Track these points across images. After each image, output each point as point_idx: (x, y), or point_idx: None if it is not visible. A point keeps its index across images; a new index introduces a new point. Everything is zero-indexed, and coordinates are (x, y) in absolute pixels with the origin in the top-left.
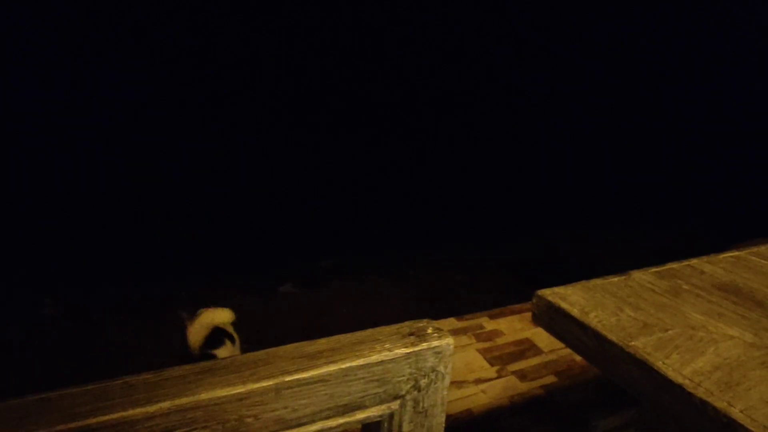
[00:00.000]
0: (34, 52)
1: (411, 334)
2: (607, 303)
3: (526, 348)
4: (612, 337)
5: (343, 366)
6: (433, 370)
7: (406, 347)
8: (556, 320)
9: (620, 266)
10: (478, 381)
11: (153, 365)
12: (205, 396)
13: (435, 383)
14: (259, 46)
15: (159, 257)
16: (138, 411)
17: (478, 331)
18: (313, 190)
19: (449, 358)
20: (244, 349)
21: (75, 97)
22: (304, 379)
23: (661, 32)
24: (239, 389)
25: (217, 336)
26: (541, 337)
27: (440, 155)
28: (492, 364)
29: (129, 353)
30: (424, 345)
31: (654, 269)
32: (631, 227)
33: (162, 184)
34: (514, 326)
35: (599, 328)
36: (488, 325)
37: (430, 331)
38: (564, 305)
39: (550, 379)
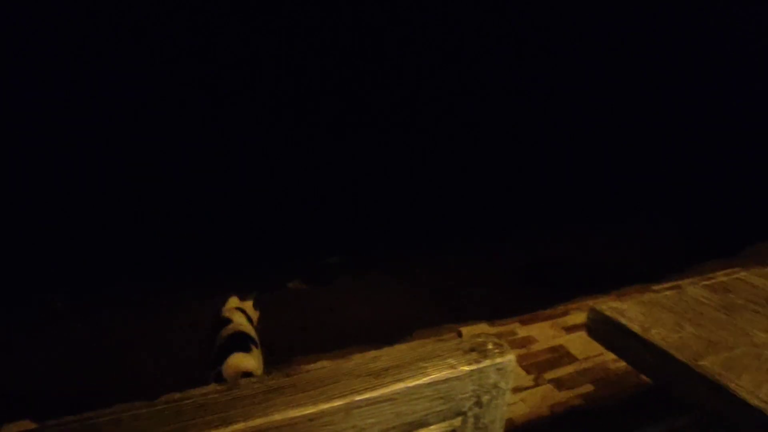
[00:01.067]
0: (34, 51)
1: (472, 350)
2: (665, 319)
3: (561, 355)
4: (678, 355)
5: (410, 384)
6: (495, 386)
7: (469, 364)
8: (614, 335)
9: (629, 267)
10: (517, 390)
11: (158, 362)
12: (278, 417)
13: (496, 399)
14: (259, 46)
15: (165, 255)
16: None
17: (511, 338)
18: (319, 188)
19: (510, 374)
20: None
21: (76, 96)
22: (373, 398)
23: (661, 32)
24: (310, 409)
25: (244, 343)
26: (575, 344)
27: (446, 154)
28: (528, 372)
29: (134, 349)
30: (488, 362)
31: (704, 282)
32: (635, 226)
33: (168, 183)
34: (546, 333)
35: (663, 345)
36: (521, 331)
37: (490, 346)
38: (623, 321)
39: (587, 388)
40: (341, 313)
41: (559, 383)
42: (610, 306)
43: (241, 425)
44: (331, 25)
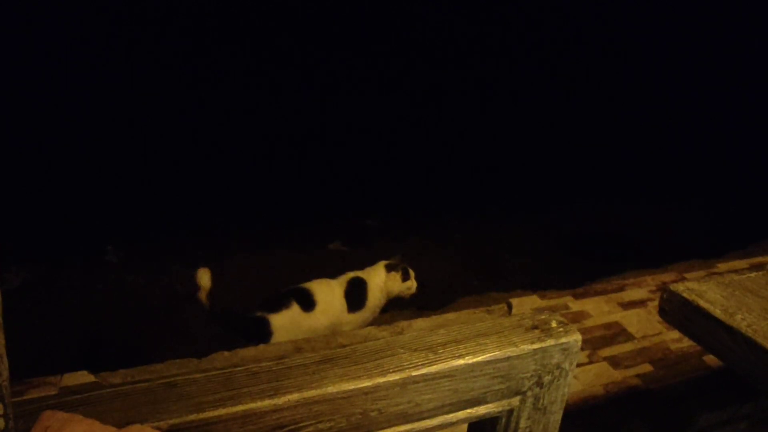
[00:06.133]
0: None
1: (535, 327)
2: (751, 304)
3: (616, 332)
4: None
5: (470, 361)
6: (558, 366)
7: (532, 343)
8: (692, 319)
9: (678, 243)
10: None
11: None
12: (332, 389)
13: (558, 380)
14: None
15: (214, 212)
16: (266, 403)
17: (563, 312)
18: (360, 148)
19: (575, 355)
20: None
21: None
22: (431, 374)
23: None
24: (366, 383)
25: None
26: (631, 322)
27: (490, 117)
28: (582, 348)
29: (183, 302)
30: (551, 341)
31: None
32: (686, 201)
33: (211, 142)
34: (600, 308)
35: (752, 334)
36: (573, 305)
37: (554, 324)
38: (703, 303)
39: (645, 368)
40: None
41: (614, 361)
42: (688, 287)
43: (295, 396)
44: None
